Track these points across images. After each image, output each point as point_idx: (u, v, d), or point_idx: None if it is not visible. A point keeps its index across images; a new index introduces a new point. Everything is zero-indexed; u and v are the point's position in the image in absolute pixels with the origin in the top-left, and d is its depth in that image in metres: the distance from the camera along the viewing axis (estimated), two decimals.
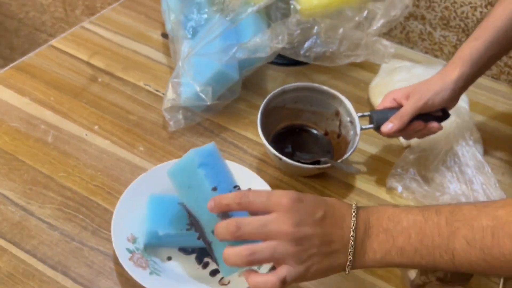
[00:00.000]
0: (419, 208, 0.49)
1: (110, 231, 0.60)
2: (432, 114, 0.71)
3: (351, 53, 0.78)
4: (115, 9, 1.01)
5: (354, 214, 0.48)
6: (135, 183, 0.63)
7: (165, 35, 0.95)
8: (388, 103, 0.71)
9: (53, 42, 0.90)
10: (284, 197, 0.46)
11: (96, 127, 0.75)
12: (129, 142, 0.74)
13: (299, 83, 0.76)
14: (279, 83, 0.89)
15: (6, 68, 0.83)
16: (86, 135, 0.74)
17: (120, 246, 0.56)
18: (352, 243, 0.47)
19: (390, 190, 0.72)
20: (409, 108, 0.67)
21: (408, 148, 0.77)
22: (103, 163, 0.70)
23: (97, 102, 0.79)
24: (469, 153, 0.76)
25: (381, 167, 0.76)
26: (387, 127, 0.68)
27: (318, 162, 0.69)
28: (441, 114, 0.71)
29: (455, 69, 0.66)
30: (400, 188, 0.71)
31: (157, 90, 0.84)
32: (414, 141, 0.77)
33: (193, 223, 0.54)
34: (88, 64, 0.87)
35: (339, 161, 0.68)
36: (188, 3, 0.80)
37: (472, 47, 0.66)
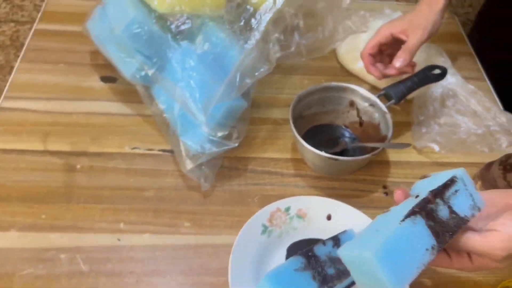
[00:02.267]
0: None
1: None
2: (432, 73, 0.74)
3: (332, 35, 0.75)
4: (21, 69, 0.81)
5: None
6: (232, 272, 0.56)
7: (108, 79, 0.80)
8: (384, 39, 0.73)
9: None
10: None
11: (121, 224, 0.63)
12: (168, 224, 0.64)
13: (311, 87, 0.72)
14: (268, 87, 0.83)
15: None
16: (119, 239, 0.62)
17: None
18: None
19: (421, 151, 0.76)
20: (416, 41, 0.70)
21: (413, 105, 0.80)
22: (166, 260, 0.60)
23: (96, 194, 0.66)
24: (458, 86, 0.82)
25: (401, 131, 0.78)
26: (399, 62, 0.70)
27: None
28: (440, 72, 0.75)
29: None
30: (437, 147, 0.74)
31: (149, 149, 0.72)
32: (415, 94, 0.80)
33: None
34: (48, 153, 0.70)
35: (387, 142, 0.68)
36: (144, 40, 0.66)
37: None
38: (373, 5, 0.99)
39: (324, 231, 0.63)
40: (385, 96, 0.73)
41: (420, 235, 0.42)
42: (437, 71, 0.75)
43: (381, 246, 0.41)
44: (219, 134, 0.65)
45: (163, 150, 0.72)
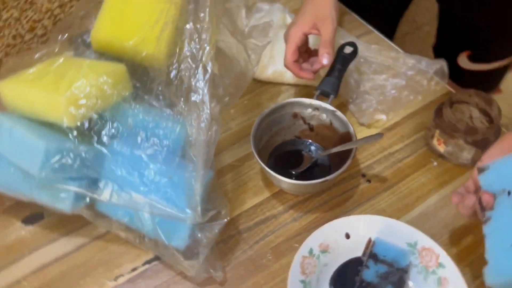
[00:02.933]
0: None
1: None
2: (347, 53, 0.76)
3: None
4: None
5: None
6: None
7: (32, 218, 0.67)
8: (300, 41, 0.71)
9: None
10: None
11: None
12: None
13: (257, 120, 0.68)
14: None
15: None
16: None
17: None
18: None
19: (370, 125, 0.78)
20: (330, 33, 0.70)
21: None
22: None
23: None
24: (363, 51, 0.86)
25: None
26: (325, 58, 0.69)
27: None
28: (353, 48, 0.76)
29: None
30: (384, 116, 0.77)
31: (133, 269, 0.62)
32: None
33: None
34: None
35: (354, 138, 0.67)
36: (75, 168, 0.55)
37: None
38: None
39: (351, 250, 0.62)
40: (322, 94, 0.73)
41: None
42: (349, 49, 0.77)
43: None
44: (206, 218, 0.59)
45: (148, 262, 0.63)
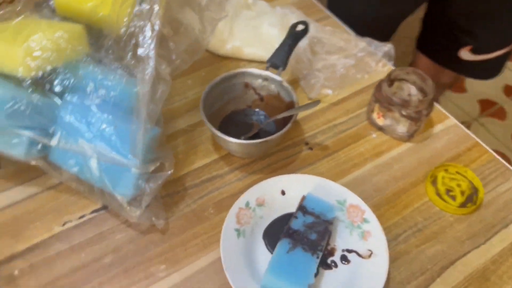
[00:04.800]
0: None
1: None
2: (299, 31, 0.81)
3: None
4: None
5: None
6: (234, 284, 0.57)
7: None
8: None
9: None
10: None
11: None
12: (145, 276, 0.61)
13: (207, 87, 0.73)
14: None
15: None
16: None
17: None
18: None
19: (319, 98, 0.83)
20: None
21: (291, 64, 0.86)
22: None
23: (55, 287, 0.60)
24: (318, 32, 0.91)
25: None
26: None
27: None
28: (304, 26, 0.81)
29: None
30: (330, 91, 0.83)
31: (81, 217, 0.67)
32: None
33: None
34: None
35: (296, 106, 0.72)
36: (28, 115, 0.60)
37: None
38: None
39: (285, 206, 0.67)
40: (272, 66, 0.78)
41: None
42: (301, 27, 0.82)
43: None
44: (152, 168, 0.63)
45: (96, 211, 0.67)
